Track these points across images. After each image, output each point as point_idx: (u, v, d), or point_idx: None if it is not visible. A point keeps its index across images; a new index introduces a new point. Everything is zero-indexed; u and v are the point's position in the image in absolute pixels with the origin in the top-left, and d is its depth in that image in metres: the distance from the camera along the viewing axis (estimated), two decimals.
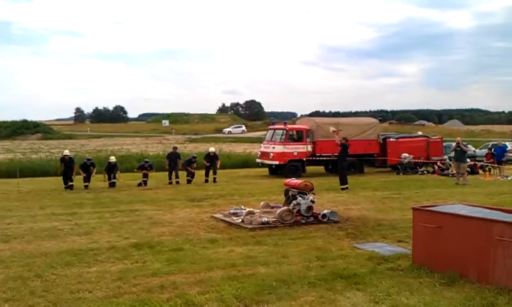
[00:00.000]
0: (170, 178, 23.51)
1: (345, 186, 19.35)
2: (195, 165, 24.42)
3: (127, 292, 6.75)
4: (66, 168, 21.60)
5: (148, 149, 43.15)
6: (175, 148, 25.12)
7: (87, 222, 12.48)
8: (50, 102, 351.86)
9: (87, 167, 22.19)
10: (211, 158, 24.37)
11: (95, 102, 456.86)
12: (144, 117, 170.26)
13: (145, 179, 22.59)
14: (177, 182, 23.05)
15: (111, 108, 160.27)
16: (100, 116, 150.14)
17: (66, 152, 22.51)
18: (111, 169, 22.48)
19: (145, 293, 6.65)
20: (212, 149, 25.49)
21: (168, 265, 8.14)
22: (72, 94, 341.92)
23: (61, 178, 21.89)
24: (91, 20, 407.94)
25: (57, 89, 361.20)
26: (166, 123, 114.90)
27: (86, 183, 21.80)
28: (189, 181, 23.37)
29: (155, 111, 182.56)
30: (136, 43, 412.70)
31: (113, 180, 22.29)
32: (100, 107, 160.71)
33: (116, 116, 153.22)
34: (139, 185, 22.20)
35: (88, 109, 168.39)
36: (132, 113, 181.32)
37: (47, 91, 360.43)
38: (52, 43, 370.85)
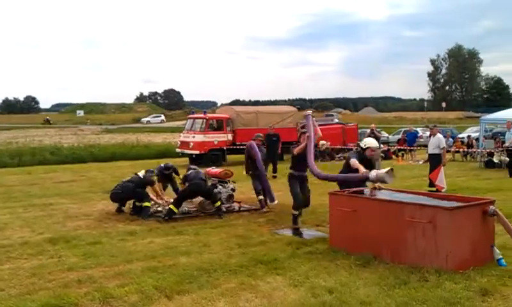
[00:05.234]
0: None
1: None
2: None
3: (42, 288, 6.51)
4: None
5: (63, 141, 41.51)
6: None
7: None
8: None
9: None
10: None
11: (4, 92, 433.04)
12: (57, 107, 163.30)
13: None
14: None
15: (21, 98, 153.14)
16: (10, 107, 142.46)
17: None
18: None
19: (61, 289, 6.44)
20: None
21: (85, 259, 7.92)
22: None
23: None
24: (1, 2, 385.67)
25: None
26: (80, 113, 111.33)
27: None
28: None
29: (69, 101, 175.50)
30: (49, 30, 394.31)
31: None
32: (10, 98, 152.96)
33: (28, 106, 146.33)
34: None
35: None
36: (44, 103, 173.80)
37: None
38: None
